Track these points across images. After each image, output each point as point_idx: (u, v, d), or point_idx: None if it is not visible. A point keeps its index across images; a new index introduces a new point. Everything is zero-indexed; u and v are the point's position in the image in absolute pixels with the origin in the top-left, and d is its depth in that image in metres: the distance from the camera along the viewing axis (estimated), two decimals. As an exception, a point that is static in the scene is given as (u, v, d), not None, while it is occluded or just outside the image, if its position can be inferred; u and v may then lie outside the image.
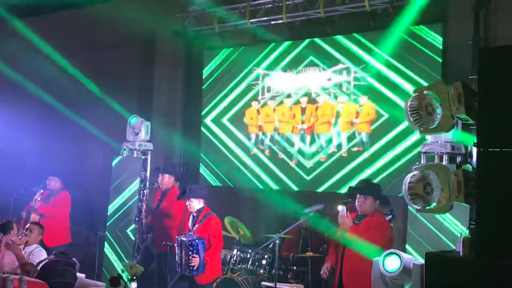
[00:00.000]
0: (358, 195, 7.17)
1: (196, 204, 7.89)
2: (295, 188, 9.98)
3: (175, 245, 7.86)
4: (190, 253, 7.47)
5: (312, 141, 9.77)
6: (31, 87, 11.71)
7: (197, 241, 7.50)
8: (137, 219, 9.28)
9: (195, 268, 7.51)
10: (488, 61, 4.89)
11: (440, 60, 8.51)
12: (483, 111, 4.88)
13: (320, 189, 9.61)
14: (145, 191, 9.44)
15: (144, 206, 9.31)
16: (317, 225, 8.35)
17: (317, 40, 9.81)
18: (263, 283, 7.84)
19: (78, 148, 12.13)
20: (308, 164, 9.79)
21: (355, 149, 9.34)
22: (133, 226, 9.36)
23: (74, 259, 7.47)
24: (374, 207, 7.11)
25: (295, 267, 8.62)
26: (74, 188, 10.24)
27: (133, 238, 9.29)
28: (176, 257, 7.81)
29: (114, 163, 9.87)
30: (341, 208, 7.10)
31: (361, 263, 6.77)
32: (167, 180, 9.32)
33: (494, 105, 4.78)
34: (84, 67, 11.61)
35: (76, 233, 10.28)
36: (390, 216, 7.45)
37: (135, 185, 9.51)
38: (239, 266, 8.70)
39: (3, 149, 12.42)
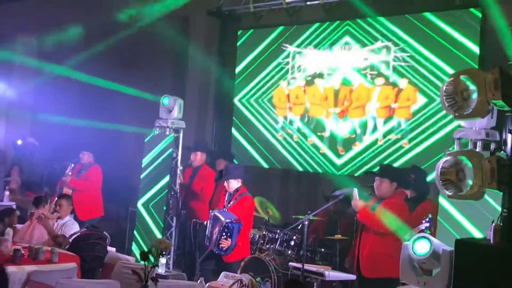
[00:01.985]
0: (375, 179, 7.17)
1: (234, 184, 7.96)
2: (324, 171, 9.90)
3: (205, 222, 7.95)
4: (224, 234, 7.52)
5: (345, 126, 9.53)
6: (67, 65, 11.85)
7: (234, 224, 7.54)
8: (173, 193, 9.38)
9: (224, 249, 7.58)
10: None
11: (478, 45, 8.31)
12: (520, 98, 4.81)
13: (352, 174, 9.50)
14: (177, 169, 9.51)
15: (178, 182, 9.40)
16: (346, 208, 8.32)
17: (354, 21, 9.54)
18: (290, 263, 7.87)
19: (113, 125, 12.24)
20: (340, 150, 9.62)
21: (392, 136, 9.03)
22: (164, 202, 9.42)
23: (105, 232, 7.61)
24: (392, 190, 7.09)
25: (323, 249, 8.63)
26: (107, 164, 10.35)
27: (163, 214, 9.36)
28: (207, 230, 7.89)
29: (146, 140, 9.94)
30: (355, 191, 7.14)
31: (375, 245, 6.89)
32: (199, 157, 9.44)
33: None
34: (119, 47, 11.67)
35: (108, 208, 10.41)
36: (426, 225, 7.16)
37: (167, 162, 9.57)
38: (267, 246, 8.73)
39: (39, 125, 12.65)
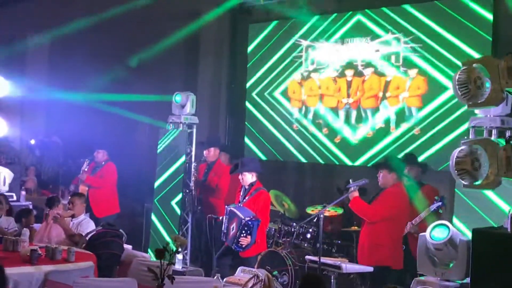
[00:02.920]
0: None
1: (249, 177, 7.89)
2: (339, 162, 9.92)
3: (221, 218, 7.95)
4: (244, 232, 7.46)
5: (358, 115, 9.58)
6: (80, 65, 11.88)
7: (254, 222, 7.48)
8: (187, 191, 9.37)
9: (243, 246, 7.55)
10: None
11: (491, 33, 8.25)
12: (534, 84, 4.75)
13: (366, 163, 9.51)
14: (191, 164, 9.49)
15: (193, 179, 9.39)
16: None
17: (365, 12, 9.58)
18: (307, 256, 7.84)
19: (126, 121, 12.27)
20: (354, 139, 9.66)
21: (404, 124, 9.11)
22: (179, 198, 9.41)
23: (121, 230, 7.62)
24: (393, 180, 7.29)
25: (339, 241, 8.60)
26: (122, 161, 10.40)
27: (179, 210, 9.36)
28: (223, 226, 7.86)
29: (160, 136, 9.93)
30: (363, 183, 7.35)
31: (368, 235, 7.28)
32: (212, 153, 9.44)
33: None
34: (130, 43, 11.68)
35: (123, 205, 10.46)
36: (438, 204, 7.22)
37: (181, 158, 9.56)
38: (283, 240, 8.72)
39: (53, 124, 12.72)
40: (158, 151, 9.85)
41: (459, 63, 8.16)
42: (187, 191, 9.39)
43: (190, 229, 9.39)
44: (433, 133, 8.79)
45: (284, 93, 10.65)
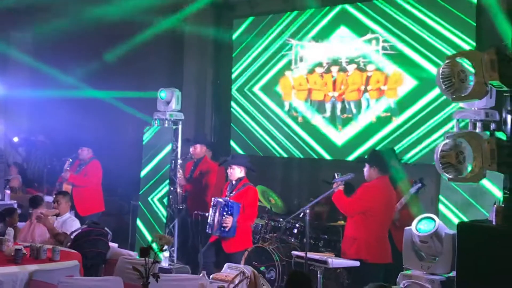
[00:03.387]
0: None
1: (237, 172, 7.93)
2: (326, 156, 10.01)
3: (207, 214, 7.95)
4: (224, 213, 7.60)
5: (343, 107, 9.83)
6: (64, 61, 11.78)
7: (234, 203, 7.63)
8: (173, 188, 9.32)
9: (226, 229, 7.60)
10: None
11: (474, 25, 8.34)
12: (517, 77, 4.75)
13: (351, 157, 9.60)
14: (177, 161, 9.44)
15: (178, 175, 9.34)
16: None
17: (347, 6, 9.80)
18: (293, 252, 7.84)
19: (111, 119, 12.20)
20: (340, 130, 9.85)
21: (383, 114, 9.38)
22: (165, 195, 9.37)
23: (106, 228, 7.56)
24: (375, 174, 7.30)
25: (326, 236, 8.60)
26: (107, 158, 10.30)
27: (165, 208, 9.32)
28: (209, 218, 7.90)
29: (145, 133, 9.87)
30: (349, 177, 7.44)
31: (346, 228, 7.41)
32: (199, 150, 9.39)
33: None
34: (113, 40, 11.59)
35: (109, 203, 10.37)
36: (418, 185, 7.49)
37: (166, 154, 9.51)
38: (270, 235, 8.71)
39: (38, 122, 12.61)
40: (144, 148, 9.79)
41: (437, 59, 8.56)
42: (173, 188, 9.35)
43: (177, 226, 9.36)
44: (411, 123, 9.06)
45: (271, 89, 10.69)
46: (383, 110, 9.38)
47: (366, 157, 7.79)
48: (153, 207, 9.47)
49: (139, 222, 9.68)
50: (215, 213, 7.78)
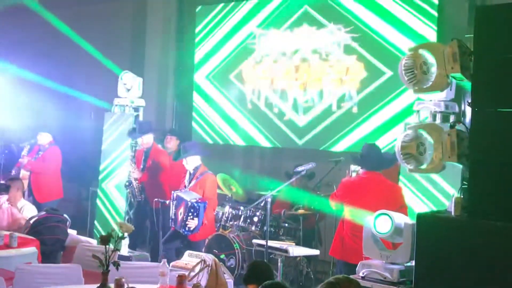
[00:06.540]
0: None
1: (193, 161, 7.88)
2: (289, 145, 10.04)
3: (168, 202, 7.90)
4: (190, 214, 7.49)
5: (305, 96, 9.89)
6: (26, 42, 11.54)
7: (199, 204, 7.51)
8: (127, 183, 9.14)
9: (191, 229, 7.55)
10: (484, 19, 4.79)
11: (436, 17, 8.45)
12: (478, 70, 4.80)
13: (314, 146, 9.66)
14: (137, 148, 9.30)
15: (131, 170, 9.15)
16: (308, 183, 8.36)
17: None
18: (254, 240, 7.86)
19: (70, 105, 12.02)
20: (302, 118, 9.93)
21: (344, 104, 9.50)
22: (124, 182, 9.25)
23: (65, 215, 7.48)
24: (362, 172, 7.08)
25: (286, 224, 8.63)
26: (66, 145, 10.13)
27: (125, 195, 9.22)
28: (170, 212, 7.82)
29: (106, 119, 9.74)
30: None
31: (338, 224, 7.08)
32: (146, 139, 9.17)
33: (489, 64, 4.70)
34: (74, 22, 11.40)
35: (68, 189, 10.22)
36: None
37: (126, 141, 9.40)
38: (230, 223, 8.71)
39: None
40: (103, 134, 9.68)
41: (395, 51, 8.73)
42: (128, 184, 9.19)
43: (136, 214, 9.25)
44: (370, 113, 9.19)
45: (234, 76, 10.68)
46: (344, 99, 9.48)
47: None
48: (113, 194, 9.37)
49: (98, 209, 9.58)
50: (176, 208, 7.69)
